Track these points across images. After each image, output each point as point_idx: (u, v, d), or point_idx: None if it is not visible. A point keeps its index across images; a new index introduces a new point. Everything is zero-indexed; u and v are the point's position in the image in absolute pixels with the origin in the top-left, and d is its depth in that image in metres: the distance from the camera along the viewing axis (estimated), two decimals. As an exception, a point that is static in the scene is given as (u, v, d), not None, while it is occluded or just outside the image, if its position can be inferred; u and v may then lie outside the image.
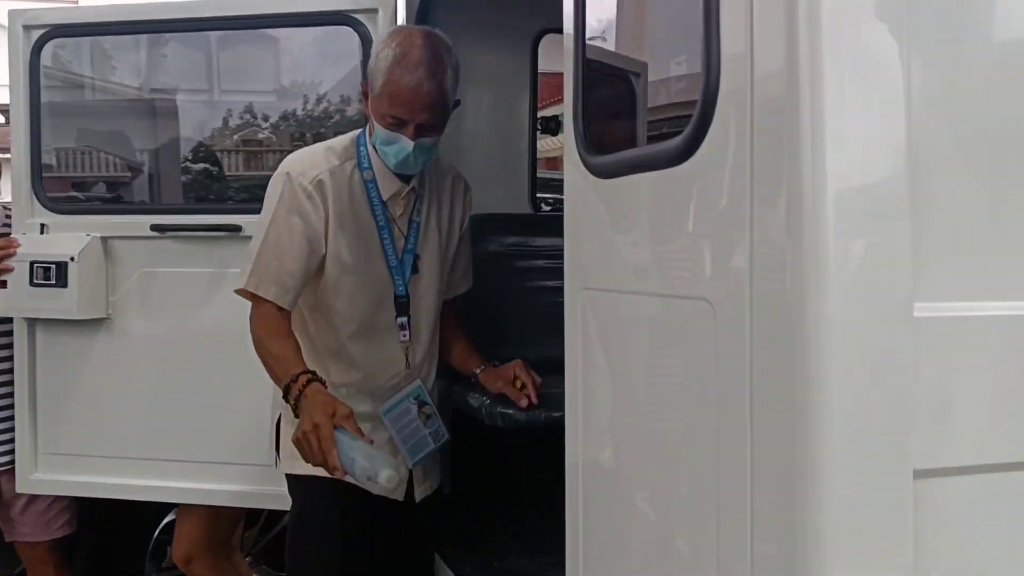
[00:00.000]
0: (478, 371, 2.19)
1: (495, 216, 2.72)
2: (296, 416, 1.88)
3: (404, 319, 2.14)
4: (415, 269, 2.15)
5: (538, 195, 2.94)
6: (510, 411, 2.26)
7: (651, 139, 1.28)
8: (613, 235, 1.33)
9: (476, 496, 2.49)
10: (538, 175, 2.96)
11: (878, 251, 0.94)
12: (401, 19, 2.61)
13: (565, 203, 1.48)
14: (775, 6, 0.95)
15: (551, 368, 2.75)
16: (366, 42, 2.57)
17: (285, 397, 1.90)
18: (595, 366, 1.41)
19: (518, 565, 2.22)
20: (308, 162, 2.07)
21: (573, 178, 1.42)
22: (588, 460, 1.46)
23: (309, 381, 1.87)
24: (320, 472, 1.91)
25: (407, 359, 2.15)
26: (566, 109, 1.44)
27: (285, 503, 2.55)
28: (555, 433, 2.36)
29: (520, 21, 2.80)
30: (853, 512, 0.94)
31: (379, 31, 2.55)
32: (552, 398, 2.49)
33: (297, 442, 1.82)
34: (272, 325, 2.00)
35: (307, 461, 1.83)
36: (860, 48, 0.93)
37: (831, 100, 0.92)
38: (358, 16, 2.56)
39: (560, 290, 2.84)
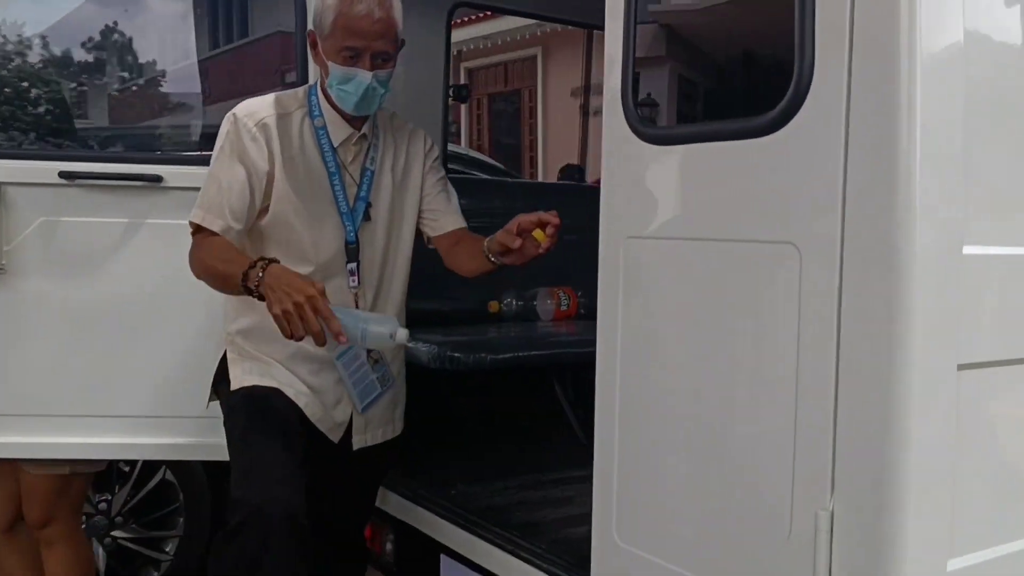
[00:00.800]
0: (486, 244, 2.16)
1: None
2: (259, 298, 1.90)
3: (353, 264, 2.21)
4: (366, 216, 2.21)
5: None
6: (458, 355, 2.47)
7: (721, 113, 1.55)
8: (673, 190, 1.59)
9: (421, 437, 2.66)
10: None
11: (944, 206, 1.28)
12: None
13: (604, 163, 1.71)
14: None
15: (463, 319, 3.00)
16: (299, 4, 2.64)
17: (244, 286, 1.90)
18: (641, 310, 1.65)
19: (471, 491, 2.43)
20: (256, 106, 2.15)
21: (618, 143, 1.66)
22: (628, 403, 1.69)
23: (269, 263, 1.90)
24: (270, 383, 2.13)
25: (356, 304, 2.21)
26: (609, 83, 1.68)
27: (198, 453, 2.60)
28: (498, 375, 2.62)
29: (436, -6, 2.97)
30: (920, 399, 1.28)
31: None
32: (492, 342, 2.73)
33: (285, 314, 1.82)
34: (218, 244, 2.04)
35: (292, 334, 1.83)
36: (946, 31, 1.26)
37: (925, 80, 1.24)
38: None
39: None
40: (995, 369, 1.36)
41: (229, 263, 1.99)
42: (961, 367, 1.31)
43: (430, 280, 2.90)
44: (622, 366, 1.69)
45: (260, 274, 1.88)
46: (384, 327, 1.91)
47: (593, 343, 2.76)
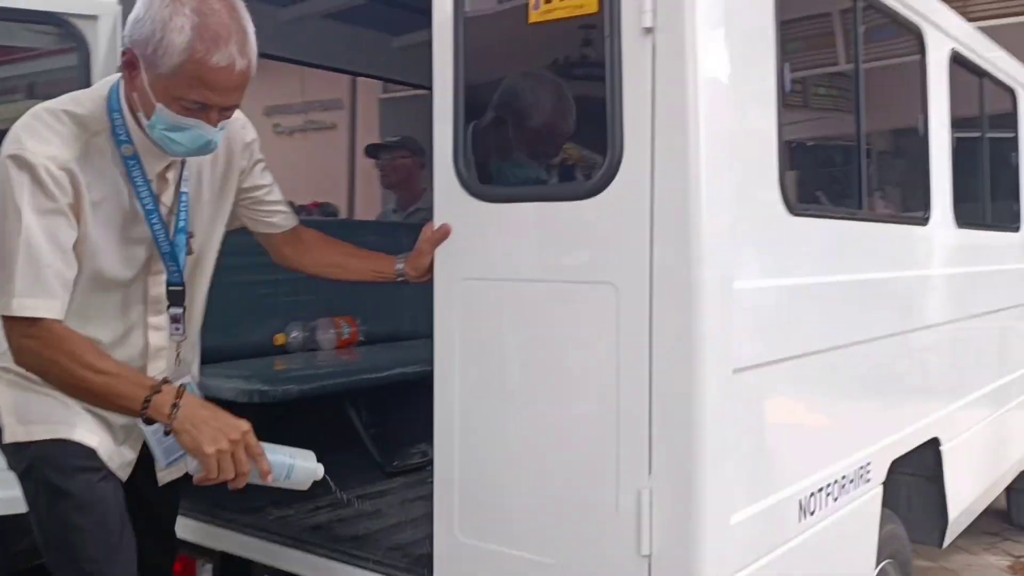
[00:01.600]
0: (400, 266, 2.10)
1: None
2: (170, 431, 1.71)
3: (179, 311, 1.91)
4: (188, 250, 1.90)
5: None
6: (266, 388, 2.63)
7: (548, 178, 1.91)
8: (507, 239, 1.91)
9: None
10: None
11: (720, 253, 1.73)
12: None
13: (436, 214, 2.00)
14: (674, 102, 1.68)
15: (250, 352, 3.13)
16: (82, 45, 2.65)
17: (144, 415, 1.70)
18: (478, 337, 1.96)
19: (286, 514, 2.58)
20: (50, 139, 1.70)
21: (451, 200, 1.96)
22: (466, 416, 1.97)
23: (179, 391, 1.71)
24: (60, 432, 1.78)
25: (178, 354, 1.96)
26: (440, 144, 1.98)
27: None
28: (295, 404, 2.78)
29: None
30: (712, 396, 1.72)
31: (99, 39, 2.66)
32: (293, 374, 2.89)
33: (219, 455, 1.68)
34: (73, 341, 1.72)
35: (219, 476, 1.70)
36: (725, 133, 1.71)
37: (706, 167, 1.68)
38: (74, 21, 2.62)
39: (252, 283, 3.21)
40: (756, 370, 1.84)
41: (114, 380, 1.71)
42: (735, 371, 1.78)
43: (214, 314, 3.00)
44: (460, 385, 1.99)
45: (175, 405, 1.68)
46: (310, 462, 1.84)
47: (383, 369, 3.04)
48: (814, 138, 2.49)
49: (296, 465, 1.81)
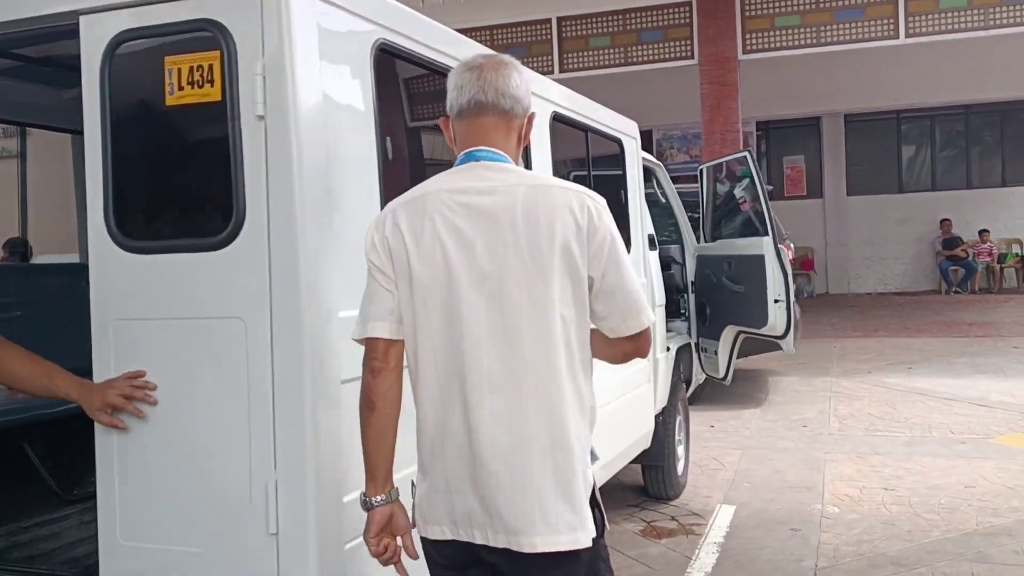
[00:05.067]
0: None
1: None
2: None
3: None
4: None
5: None
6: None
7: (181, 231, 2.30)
8: (154, 284, 2.27)
9: None
10: None
11: (325, 292, 2.21)
12: None
13: (92, 263, 2.33)
14: (282, 174, 2.14)
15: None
16: None
17: None
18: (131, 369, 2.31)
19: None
20: None
21: (102, 251, 2.31)
22: (124, 441, 2.32)
23: None
24: None
25: None
26: (92, 202, 2.30)
27: None
28: None
29: None
30: (322, 403, 2.19)
31: None
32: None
33: None
34: None
35: None
36: (323, 195, 2.20)
37: (310, 224, 2.16)
38: None
39: None
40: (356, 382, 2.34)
41: None
42: (343, 382, 2.26)
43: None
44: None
45: None
46: None
47: (57, 404, 3.24)
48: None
49: None
